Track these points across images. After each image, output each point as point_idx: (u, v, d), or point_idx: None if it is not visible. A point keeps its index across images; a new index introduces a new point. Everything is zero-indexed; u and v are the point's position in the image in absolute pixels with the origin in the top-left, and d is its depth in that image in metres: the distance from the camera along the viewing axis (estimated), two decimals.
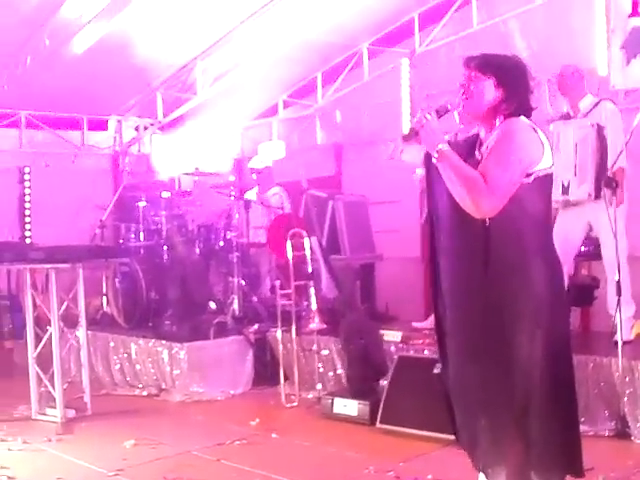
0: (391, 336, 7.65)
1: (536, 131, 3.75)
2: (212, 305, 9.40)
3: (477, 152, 3.85)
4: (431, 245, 4.01)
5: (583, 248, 7.48)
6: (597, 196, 6.74)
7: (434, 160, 3.71)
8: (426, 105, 3.70)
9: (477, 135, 3.94)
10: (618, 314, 6.26)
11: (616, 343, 6.30)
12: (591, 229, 7.21)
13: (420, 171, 4.41)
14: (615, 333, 6.61)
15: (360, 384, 7.24)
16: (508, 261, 3.69)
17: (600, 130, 6.92)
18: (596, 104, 7.18)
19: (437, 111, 3.78)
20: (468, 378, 3.85)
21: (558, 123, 7.19)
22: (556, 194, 7.03)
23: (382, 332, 7.69)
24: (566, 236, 7.20)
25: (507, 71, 3.86)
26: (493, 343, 3.70)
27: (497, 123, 3.84)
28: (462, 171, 3.63)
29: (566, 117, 7.26)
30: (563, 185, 6.99)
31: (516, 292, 3.68)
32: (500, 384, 3.73)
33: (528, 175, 3.68)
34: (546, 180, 3.77)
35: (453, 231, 3.82)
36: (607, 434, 6.17)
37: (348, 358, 7.44)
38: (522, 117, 3.80)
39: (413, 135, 3.74)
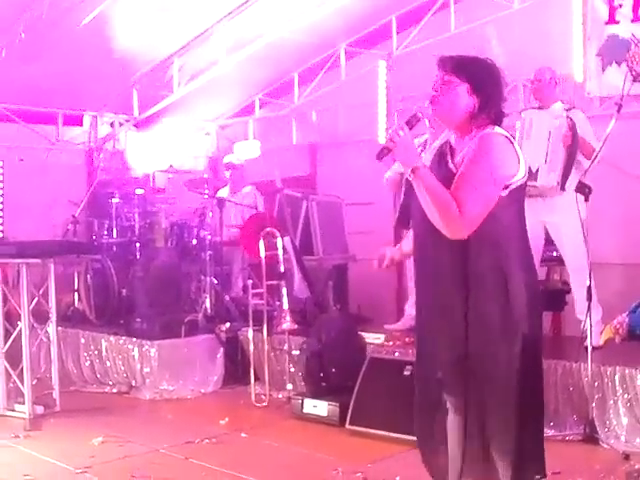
0: (372, 338, 7.67)
1: (511, 142, 3.70)
2: (183, 303, 9.36)
3: (450, 162, 3.78)
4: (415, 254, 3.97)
5: (555, 253, 7.51)
6: (563, 187, 6.78)
7: (409, 177, 3.62)
8: (398, 117, 3.63)
9: (447, 142, 3.86)
10: (588, 319, 6.28)
11: (586, 348, 6.35)
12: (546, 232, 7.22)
13: (389, 174, 4.38)
14: (585, 338, 6.67)
15: (331, 385, 7.24)
16: (486, 273, 3.67)
17: (573, 125, 6.97)
18: (567, 110, 7.22)
19: (408, 122, 3.64)
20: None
21: (531, 111, 7.22)
22: None
23: (363, 334, 7.70)
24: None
25: (483, 77, 3.74)
26: (475, 353, 3.70)
27: (473, 132, 3.74)
28: (436, 194, 3.55)
29: (540, 108, 7.29)
30: (531, 171, 7.01)
31: (496, 302, 3.66)
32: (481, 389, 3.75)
33: (505, 188, 3.64)
34: (521, 189, 3.75)
35: (433, 243, 3.76)
36: (575, 438, 6.20)
37: (311, 358, 7.42)
38: (497, 128, 3.72)
39: (386, 153, 3.61)
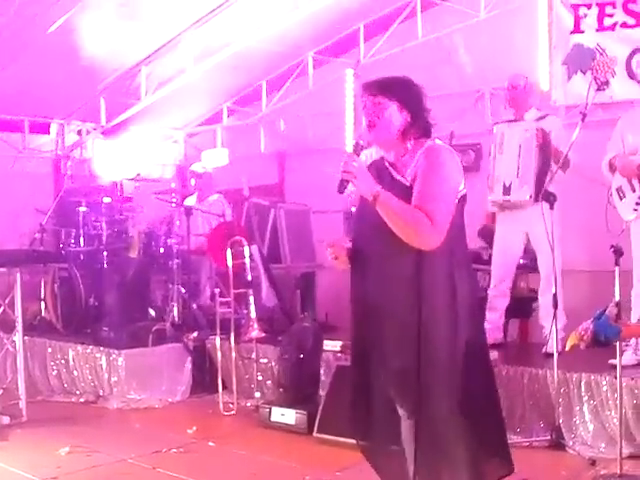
0: (330, 346, 7.65)
1: (453, 153, 3.87)
2: (151, 312, 9.33)
3: (397, 176, 3.89)
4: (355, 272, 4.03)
5: (522, 261, 7.57)
6: (537, 199, 6.83)
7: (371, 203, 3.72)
8: (346, 154, 3.68)
9: (383, 158, 3.99)
10: (554, 326, 6.32)
11: (547, 355, 6.41)
12: (528, 240, 7.30)
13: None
14: (545, 345, 6.75)
15: (298, 393, 7.24)
16: (440, 278, 3.78)
17: (545, 135, 7.03)
18: (542, 117, 7.28)
19: (355, 152, 3.79)
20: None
21: (502, 125, 7.30)
22: (497, 195, 7.14)
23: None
24: (505, 249, 7.31)
25: (408, 93, 3.92)
26: (424, 359, 3.77)
27: (409, 147, 3.89)
28: (403, 212, 3.69)
29: (511, 121, 7.34)
30: (504, 185, 7.09)
31: (447, 305, 3.78)
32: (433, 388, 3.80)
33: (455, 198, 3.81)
34: (464, 199, 3.89)
35: (381, 254, 3.86)
36: (542, 445, 6.23)
37: (286, 367, 7.42)
38: (438, 140, 3.89)
39: (346, 185, 3.73)
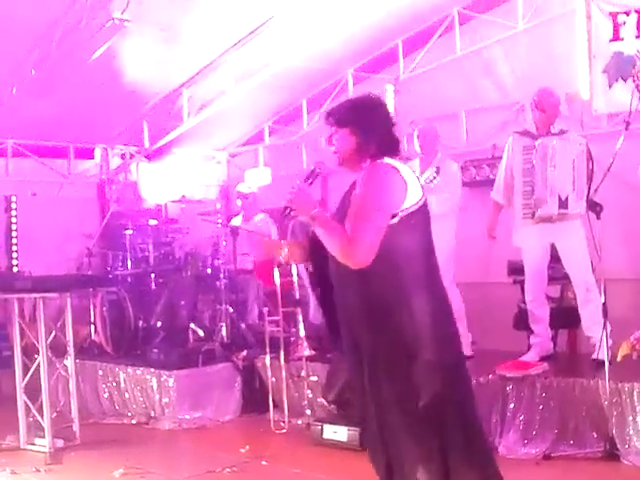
0: None
1: (398, 171, 3.88)
2: (199, 332, 9.38)
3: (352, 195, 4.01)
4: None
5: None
6: (589, 207, 6.79)
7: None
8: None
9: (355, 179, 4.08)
10: (604, 336, 6.29)
11: (597, 364, 6.39)
12: (554, 250, 7.28)
13: None
14: (594, 353, 6.72)
15: (350, 410, 7.23)
16: (388, 300, 3.83)
17: (589, 150, 7.03)
18: (563, 132, 7.25)
19: (307, 178, 4.02)
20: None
21: (550, 138, 7.21)
22: (552, 207, 7.09)
23: None
24: (536, 261, 7.30)
25: (360, 116, 4.00)
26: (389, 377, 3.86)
27: (364, 167, 3.98)
28: (330, 230, 3.83)
29: (554, 134, 7.29)
30: (560, 199, 7.05)
31: (399, 328, 3.80)
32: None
33: (393, 216, 3.81)
34: (415, 216, 3.89)
35: (338, 278, 3.97)
36: (596, 456, 6.18)
37: (337, 384, 7.42)
38: (386, 159, 3.93)
39: (289, 212, 3.91)
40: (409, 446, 3.84)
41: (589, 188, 6.88)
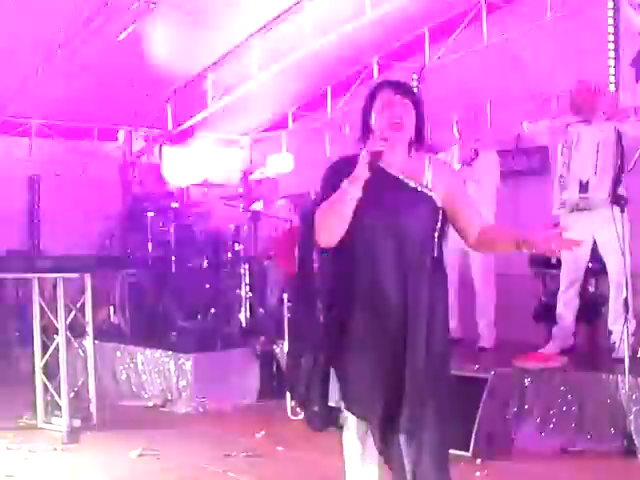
0: None
1: None
2: (219, 317, 9.38)
3: (409, 182, 3.82)
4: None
5: (590, 264, 7.46)
6: (613, 200, 6.72)
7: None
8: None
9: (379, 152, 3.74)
10: (626, 331, 6.25)
11: (617, 360, 6.34)
12: (595, 244, 7.20)
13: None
14: (615, 350, 6.68)
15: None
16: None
17: (620, 136, 6.96)
18: (607, 120, 7.19)
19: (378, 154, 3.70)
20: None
21: (578, 125, 7.15)
22: (573, 193, 7.03)
23: None
24: (575, 253, 7.20)
25: (420, 104, 3.89)
26: None
27: (412, 155, 3.88)
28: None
29: (586, 122, 7.23)
30: (581, 183, 6.98)
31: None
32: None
33: None
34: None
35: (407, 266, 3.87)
36: (614, 452, 6.14)
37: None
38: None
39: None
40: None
41: (618, 173, 6.83)
